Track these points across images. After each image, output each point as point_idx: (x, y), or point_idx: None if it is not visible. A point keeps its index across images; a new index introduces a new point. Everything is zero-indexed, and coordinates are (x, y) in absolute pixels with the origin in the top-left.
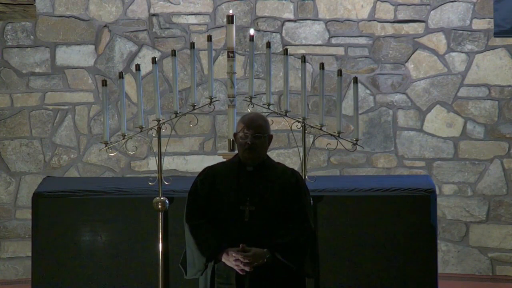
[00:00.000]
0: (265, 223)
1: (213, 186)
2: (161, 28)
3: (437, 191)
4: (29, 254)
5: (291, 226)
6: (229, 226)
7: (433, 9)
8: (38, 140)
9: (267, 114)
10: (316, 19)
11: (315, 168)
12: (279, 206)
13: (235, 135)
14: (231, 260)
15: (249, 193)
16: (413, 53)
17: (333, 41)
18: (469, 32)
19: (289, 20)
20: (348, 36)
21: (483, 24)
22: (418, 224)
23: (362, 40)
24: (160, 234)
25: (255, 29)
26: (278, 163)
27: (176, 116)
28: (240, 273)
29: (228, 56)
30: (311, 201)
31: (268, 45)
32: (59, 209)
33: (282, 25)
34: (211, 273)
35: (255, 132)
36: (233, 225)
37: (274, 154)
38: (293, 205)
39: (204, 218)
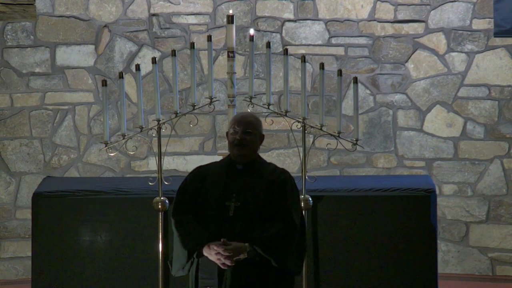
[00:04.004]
0: (249, 218)
1: (202, 183)
2: (161, 28)
3: (437, 191)
4: (29, 254)
5: (274, 222)
6: (214, 221)
7: (433, 9)
8: (38, 140)
9: (267, 114)
10: (316, 19)
11: (315, 168)
12: (264, 202)
13: (226, 133)
14: (212, 253)
15: (236, 189)
16: (413, 53)
17: (333, 41)
18: (469, 32)
19: (289, 20)
20: (348, 36)
21: (483, 24)
22: (418, 224)
23: (362, 40)
24: (160, 234)
25: (255, 29)
26: (270, 163)
27: (176, 116)
28: (222, 267)
29: (228, 56)
30: (300, 199)
31: (268, 45)
32: (59, 209)
33: (282, 25)
34: (195, 270)
35: (245, 128)
36: (217, 220)
37: (274, 154)
38: (278, 201)
39: (190, 214)
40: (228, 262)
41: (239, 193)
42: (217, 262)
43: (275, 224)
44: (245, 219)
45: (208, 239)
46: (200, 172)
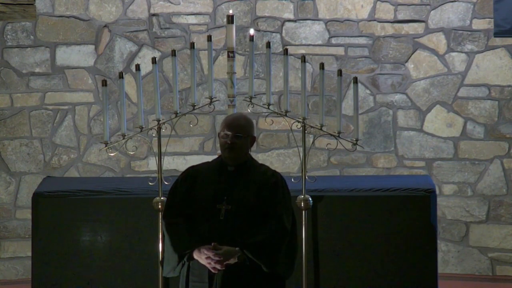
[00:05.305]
0: (240, 222)
1: (193, 185)
2: (161, 28)
3: (437, 191)
4: (29, 254)
5: (265, 226)
6: (205, 224)
7: (433, 9)
8: (38, 140)
9: (267, 114)
10: (316, 19)
11: (315, 168)
12: (255, 206)
13: (218, 134)
14: (203, 257)
15: (227, 192)
16: (413, 53)
17: (333, 41)
18: (469, 32)
19: (289, 20)
20: (348, 36)
21: (483, 24)
22: (418, 224)
23: (362, 40)
24: (160, 234)
25: (255, 29)
26: (262, 164)
27: (176, 116)
28: (212, 271)
29: (228, 56)
30: (290, 203)
31: (268, 45)
32: (59, 209)
33: (282, 25)
34: (186, 272)
35: (236, 132)
36: (208, 223)
37: (274, 154)
38: (269, 204)
39: (181, 216)
40: (218, 266)
41: (230, 196)
42: (208, 266)
43: (265, 228)
44: (236, 223)
45: (198, 242)
46: (191, 173)
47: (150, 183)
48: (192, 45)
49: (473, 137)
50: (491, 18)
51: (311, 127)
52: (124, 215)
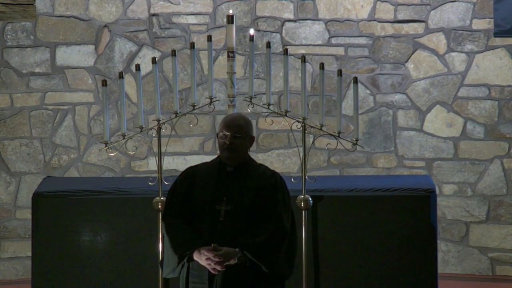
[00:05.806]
0: (239, 223)
1: (192, 186)
2: (161, 28)
3: (437, 191)
4: (29, 254)
5: (265, 227)
6: (204, 225)
7: (433, 9)
8: (38, 140)
9: (267, 114)
10: (316, 19)
11: (315, 168)
12: (254, 207)
13: (217, 135)
14: (203, 258)
15: (226, 193)
16: (413, 53)
17: (333, 41)
18: (469, 32)
19: (289, 20)
20: (348, 36)
21: (483, 24)
22: (418, 224)
23: (362, 40)
24: (160, 234)
25: (255, 29)
26: (261, 164)
27: (176, 116)
28: (212, 272)
29: (228, 56)
30: (290, 203)
31: (268, 45)
32: (59, 209)
33: (282, 25)
34: (186, 273)
35: (234, 132)
36: (208, 224)
37: (274, 154)
38: (269, 205)
39: (181, 217)
40: (218, 267)
41: (230, 197)
42: (208, 267)
43: (265, 229)
44: (236, 223)
45: (198, 243)
46: (190, 173)
47: (150, 183)
48: (192, 45)
49: (473, 137)
50: (491, 18)
51: (311, 127)
52: (124, 215)
